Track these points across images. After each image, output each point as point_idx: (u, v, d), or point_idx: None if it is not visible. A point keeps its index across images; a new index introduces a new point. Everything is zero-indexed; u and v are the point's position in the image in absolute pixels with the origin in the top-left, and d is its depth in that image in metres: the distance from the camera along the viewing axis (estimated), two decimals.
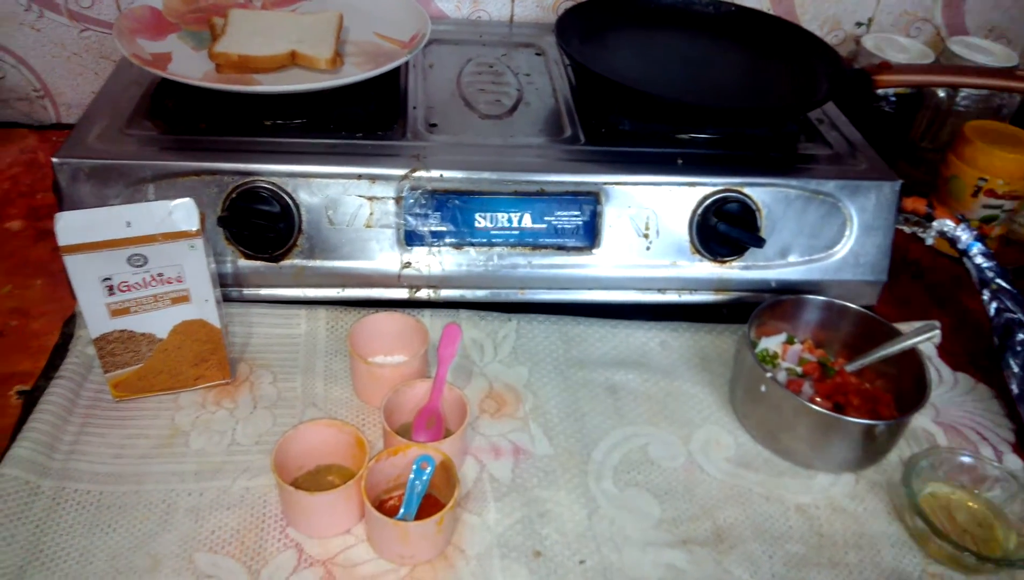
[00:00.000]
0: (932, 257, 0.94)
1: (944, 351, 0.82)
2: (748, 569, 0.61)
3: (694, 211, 0.76)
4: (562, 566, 0.60)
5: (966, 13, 1.09)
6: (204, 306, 0.68)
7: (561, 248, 0.77)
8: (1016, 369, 0.74)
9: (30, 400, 0.69)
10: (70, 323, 0.76)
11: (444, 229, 0.74)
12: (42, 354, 0.74)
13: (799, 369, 0.75)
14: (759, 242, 0.75)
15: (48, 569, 0.57)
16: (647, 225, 0.76)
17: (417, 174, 0.72)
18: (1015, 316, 0.75)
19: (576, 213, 0.75)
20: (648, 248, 0.77)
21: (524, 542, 0.62)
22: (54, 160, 0.70)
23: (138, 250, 0.63)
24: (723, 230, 0.74)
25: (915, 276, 0.92)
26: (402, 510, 0.60)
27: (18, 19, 0.97)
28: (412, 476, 0.61)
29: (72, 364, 0.71)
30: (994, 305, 0.77)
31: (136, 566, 0.58)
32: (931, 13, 1.09)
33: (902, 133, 1.06)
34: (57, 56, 1.01)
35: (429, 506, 0.60)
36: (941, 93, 0.99)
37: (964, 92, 1.01)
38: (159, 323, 0.67)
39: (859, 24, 1.09)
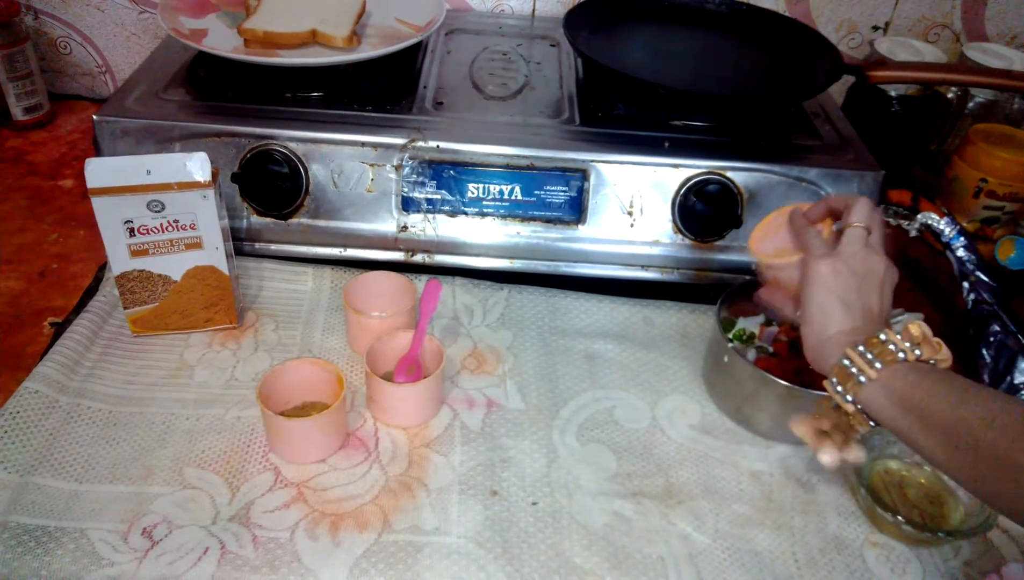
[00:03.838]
0: (933, 257, 0.95)
1: None
2: (692, 523, 0.64)
3: (677, 191, 0.80)
4: (515, 505, 0.65)
5: (987, 20, 1.09)
6: (215, 254, 0.75)
7: (549, 221, 0.81)
8: (988, 359, 0.75)
9: (60, 331, 0.77)
10: (103, 268, 0.85)
11: (439, 197, 0.80)
12: (76, 293, 0.82)
13: (770, 348, 0.78)
14: (736, 222, 0.78)
15: (55, 470, 0.64)
16: (631, 203, 0.80)
17: (416, 144, 0.78)
18: (991, 308, 0.76)
19: (564, 188, 0.80)
20: (632, 225, 0.81)
21: (483, 482, 0.66)
22: (95, 117, 0.78)
23: (156, 197, 0.71)
24: (701, 210, 0.77)
25: (913, 273, 0.93)
26: None
27: (85, 0, 1.08)
28: None
29: (99, 302, 0.79)
30: (972, 297, 0.78)
31: (132, 474, 0.65)
32: (950, 19, 1.10)
33: (917, 139, 1.07)
34: (118, 35, 1.11)
35: None
36: (951, 95, 1.00)
37: (977, 97, 1.02)
38: (174, 266, 0.75)
39: (875, 28, 1.11)
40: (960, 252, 0.80)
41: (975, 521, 0.63)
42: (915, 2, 1.08)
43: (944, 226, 0.81)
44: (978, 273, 0.78)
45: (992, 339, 0.75)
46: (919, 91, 1.01)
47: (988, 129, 0.95)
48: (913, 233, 0.83)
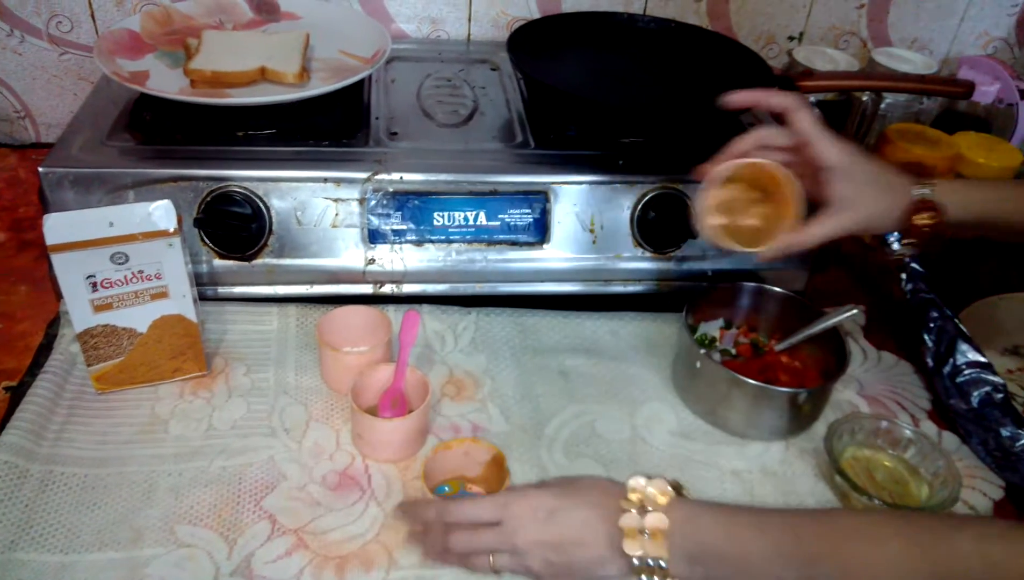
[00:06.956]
0: (865, 252, 1.02)
1: (870, 333, 0.89)
2: None
3: (634, 207, 0.83)
4: None
5: (889, 26, 1.18)
6: (182, 302, 0.73)
7: (514, 243, 0.83)
8: (930, 344, 0.81)
9: (16, 395, 0.73)
10: (54, 325, 0.81)
11: (405, 228, 0.81)
12: (27, 353, 0.78)
13: (734, 350, 0.82)
14: (692, 233, 0.82)
15: (38, 543, 0.61)
16: (592, 221, 0.83)
17: (379, 177, 0.79)
18: (928, 295, 0.83)
19: (527, 211, 0.82)
20: (594, 242, 0.84)
21: None
22: (40, 169, 0.75)
23: (120, 248, 0.68)
24: (658, 223, 0.80)
25: (848, 268, 1.00)
26: None
27: (0, 44, 1.03)
28: None
29: (56, 361, 0.76)
30: (909, 286, 0.84)
31: (120, 539, 0.62)
32: (857, 27, 1.18)
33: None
34: (37, 78, 1.06)
35: None
36: (865, 98, 1.07)
37: (888, 99, 1.09)
38: (140, 318, 0.72)
39: (791, 38, 1.18)
40: (895, 245, 0.86)
41: (940, 497, 0.68)
42: (825, 13, 1.16)
43: None
44: (913, 264, 0.85)
45: (932, 325, 0.81)
46: (836, 96, 1.07)
47: (903, 128, 1.02)
48: None
